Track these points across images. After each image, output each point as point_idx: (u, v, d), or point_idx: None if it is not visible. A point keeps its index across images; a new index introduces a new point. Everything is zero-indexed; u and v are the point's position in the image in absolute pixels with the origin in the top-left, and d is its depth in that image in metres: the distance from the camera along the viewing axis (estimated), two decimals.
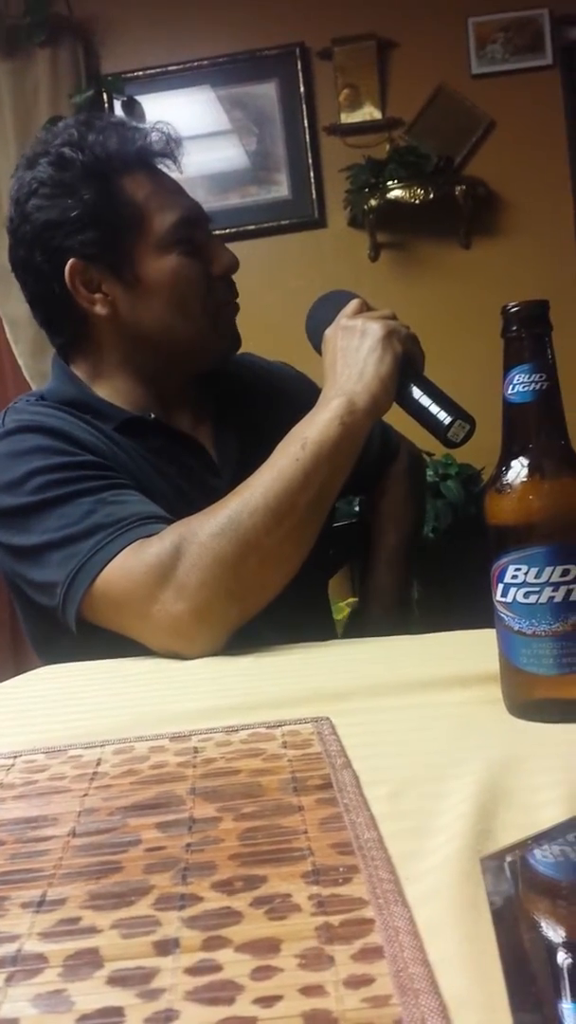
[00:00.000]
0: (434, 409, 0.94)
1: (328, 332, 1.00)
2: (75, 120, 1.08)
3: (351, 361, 0.96)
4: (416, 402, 0.96)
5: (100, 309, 1.05)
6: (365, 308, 1.02)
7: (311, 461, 0.91)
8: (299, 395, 0.99)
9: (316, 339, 1.03)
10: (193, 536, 0.88)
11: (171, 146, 1.09)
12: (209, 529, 0.88)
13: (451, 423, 0.93)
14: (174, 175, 1.10)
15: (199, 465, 1.10)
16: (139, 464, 1.04)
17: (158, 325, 1.06)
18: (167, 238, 1.05)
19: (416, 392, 0.96)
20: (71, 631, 0.92)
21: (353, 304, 1.02)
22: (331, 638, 1.07)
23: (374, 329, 0.96)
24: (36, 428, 1.00)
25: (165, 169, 1.09)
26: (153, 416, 1.08)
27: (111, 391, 1.09)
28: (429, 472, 2.48)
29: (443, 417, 0.94)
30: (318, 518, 0.93)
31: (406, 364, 0.96)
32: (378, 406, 0.95)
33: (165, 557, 0.87)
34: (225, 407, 1.16)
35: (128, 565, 0.88)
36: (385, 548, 1.36)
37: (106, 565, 0.89)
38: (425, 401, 0.95)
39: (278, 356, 1.34)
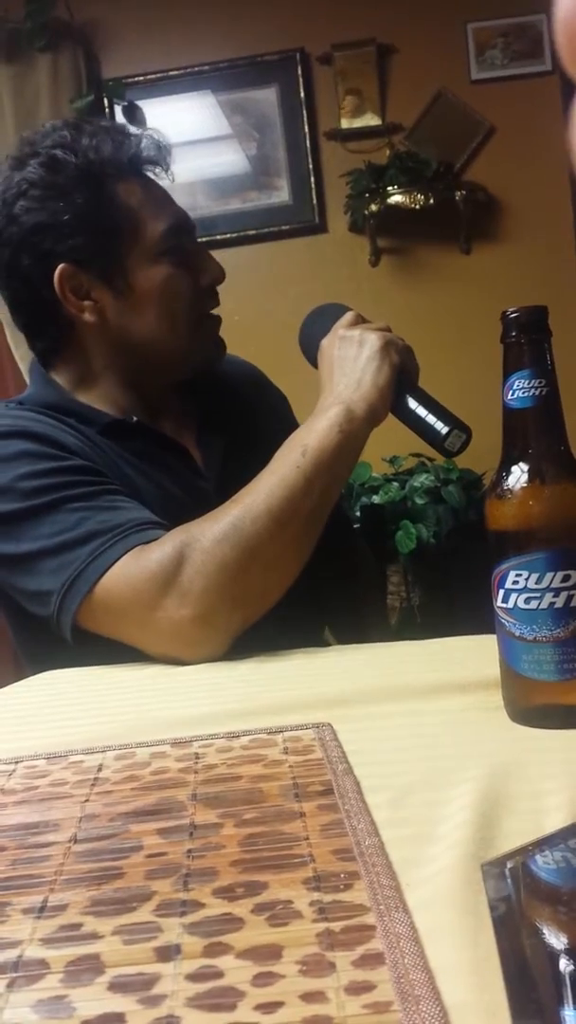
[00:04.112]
0: (431, 420, 0.96)
1: (324, 342, 1.01)
2: (64, 123, 1.06)
3: (348, 370, 0.97)
4: (413, 412, 0.97)
5: (88, 316, 1.04)
6: (361, 320, 1.02)
7: (312, 468, 0.91)
8: (273, 396, 1.03)
9: (311, 350, 1.04)
10: (196, 542, 0.88)
11: (162, 154, 1.08)
12: (212, 535, 0.88)
13: (448, 433, 0.95)
14: (164, 183, 1.09)
15: (184, 468, 1.09)
16: (125, 467, 1.03)
17: (146, 334, 1.05)
18: (159, 246, 1.04)
19: (412, 403, 0.97)
20: (65, 641, 0.91)
21: (349, 316, 1.02)
22: (320, 643, 1.07)
23: (372, 340, 0.97)
24: (20, 433, 0.98)
25: (154, 177, 1.09)
26: (136, 419, 1.07)
27: (94, 396, 1.08)
28: (430, 477, 2.48)
29: (440, 427, 0.95)
30: (318, 525, 0.94)
31: (401, 375, 0.97)
32: (375, 415, 0.96)
33: (167, 563, 0.87)
34: (210, 411, 1.15)
35: (129, 572, 0.87)
36: None
37: (105, 572, 0.88)
38: (422, 412, 0.97)
39: (278, 361, 1.34)
